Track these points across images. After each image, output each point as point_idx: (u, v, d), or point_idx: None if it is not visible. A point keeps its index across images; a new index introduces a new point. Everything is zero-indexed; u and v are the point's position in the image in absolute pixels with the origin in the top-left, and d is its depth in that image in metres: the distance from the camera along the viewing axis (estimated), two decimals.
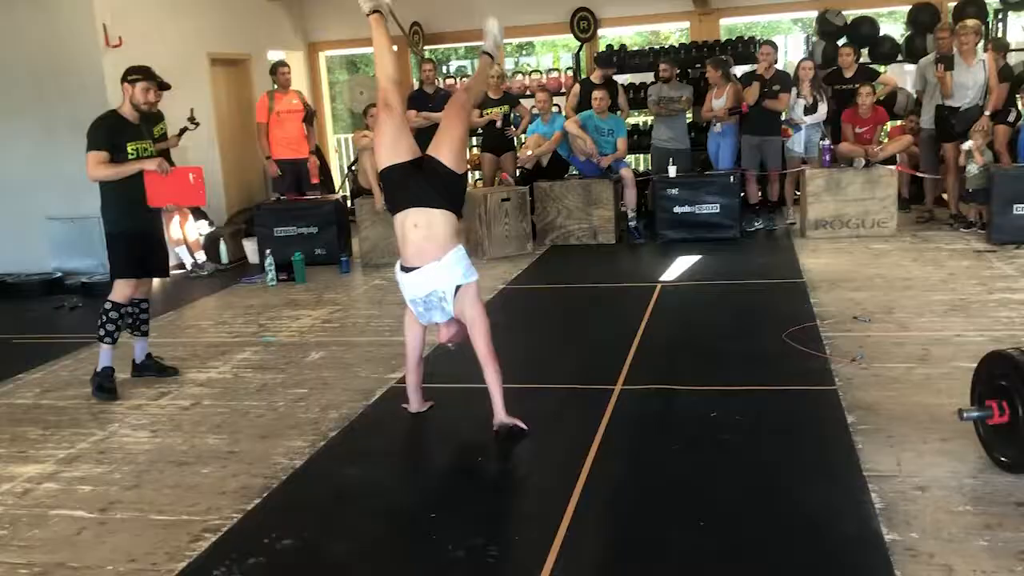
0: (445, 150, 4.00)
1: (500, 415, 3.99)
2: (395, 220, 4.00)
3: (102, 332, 4.96)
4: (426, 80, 9.27)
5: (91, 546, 3.22)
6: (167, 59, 8.37)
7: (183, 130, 8.23)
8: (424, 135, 8.83)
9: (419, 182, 3.93)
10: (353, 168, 10.12)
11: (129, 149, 4.88)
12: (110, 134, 4.84)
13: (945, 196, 8.67)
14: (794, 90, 8.46)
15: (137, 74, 4.94)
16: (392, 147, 4.00)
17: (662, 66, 9.08)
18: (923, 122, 8.55)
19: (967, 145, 7.77)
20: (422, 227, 3.90)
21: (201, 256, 8.54)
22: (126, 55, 7.99)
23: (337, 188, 10.89)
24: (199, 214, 8.80)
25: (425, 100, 9.11)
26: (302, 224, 8.44)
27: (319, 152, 9.87)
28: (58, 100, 8.08)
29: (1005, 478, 3.24)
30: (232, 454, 3.99)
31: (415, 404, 4.37)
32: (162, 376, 5.20)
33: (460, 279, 3.92)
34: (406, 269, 3.98)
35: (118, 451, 4.11)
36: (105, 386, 4.92)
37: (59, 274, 8.18)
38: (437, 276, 3.89)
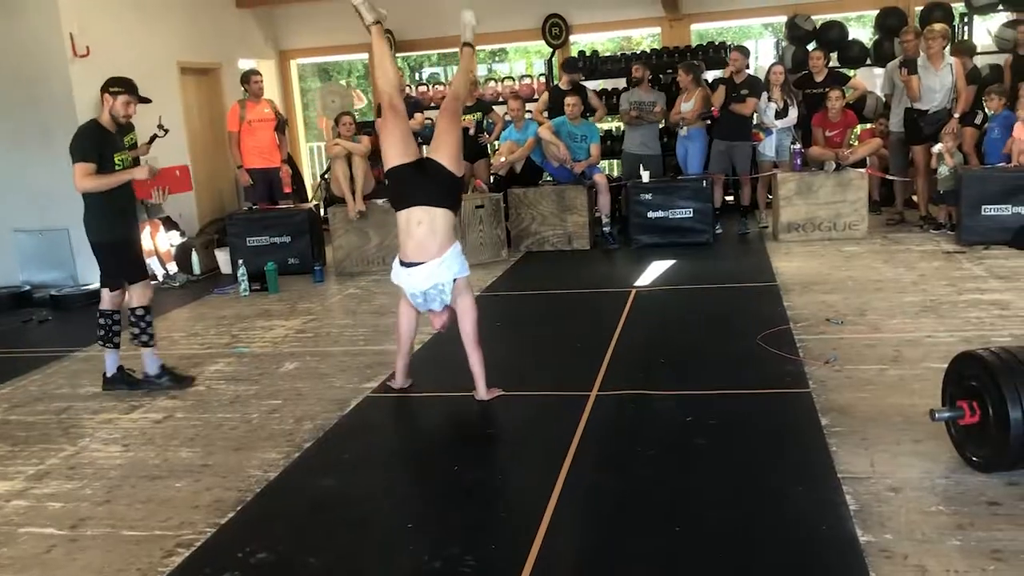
0: (444, 154, 4.37)
1: (481, 393, 4.50)
2: (399, 216, 4.37)
3: (144, 338, 5.12)
4: None
5: (61, 564, 3.17)
6: (136, 68, 8.24)
7: (153, 137, 8.15)
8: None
9: (423, 182, 4.32)
10: (326, 176, 10.08)
11: (116, 160, 4.94)
12: (96, 145, 4.86)
13: (915, 198, 8.77)
14: (765, 95, 8.53)
15: (119, 87, 4.96)
16: (400, 148, 4.38)
17: (635, 67, 9.12)
18: (892, 125, 8.64)
19: (937, 148, 7.86)
20: (425, 224, 4.28)
21: (173, 267, 8.46)
22: (94, 65, 7.94)
23: (310, 197, 10.84)
24: (170, 224, 8.73)
25: None
26: (275, 233, 8.39)
27: (291, 161, 9.82)
28: (25, 110, 7.99)
29: (977, 478, 3.27)
30: (205, 467, 3.94)
31: (400, 381, 4.77)
32: (180, 386, 5.13)
33: (457, 273, 4.34)
34: (407, 264, 4.33)
35: (89, 466, 4.05)
36: (131, 381, 5.14)
37: (27, 287, 8.07)
38: (439, 271, 4.28)
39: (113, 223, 4.98)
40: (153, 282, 8.20)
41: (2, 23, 7.95)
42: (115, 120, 4.97)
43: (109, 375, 5.20)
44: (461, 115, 4.87)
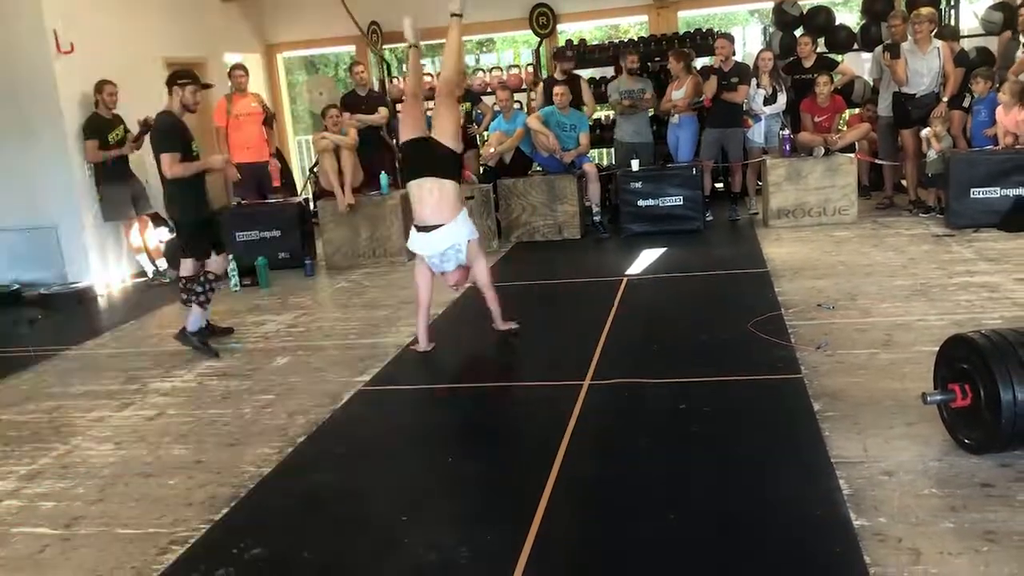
0: (446, 134, 5.09)
1: (498, 323, 5.42)
2: (411, 187, 5.04)
3: (201, 299, 5.62)
4: (359, 83, 9.22)
5: (55, 563, 3.16)
6: (121, 64, 8.29)
7: (142, 134, 8.11)
8: (360, 136, 8.81)
9: (429, 157, 5.01)
10: (315, 170, 10.03)
11: (193, 146, 5.53)
12: (179, 135, 5.48)
13: (904, 182, 8.79)
14: (754, 81, 8.52)
15: (186, 78, 5.52)
16: (411, 127, 5.17)
17: (630, 57, 9.07)
18: (880, 110, 8.65)
19: (925, 132, 7.88)
20: (436, 191, 4.95)
21: (162, 263, 8.42)
22: (78, 61, 7.88)
23: (299, 191, 10.79)
24: (159, 221, 8.68)
25: (358, 102, 9.08)
26: (265, 228, 8.35)
27: (280, 155, 9.77)
28: (8, 108, 7.92)
29: (969, 460, 3.28)
30: (198, 464, 3.93)
31: (424, 343, 5.26)
32: (205, 353, 5.60)
33: (469, 235, 5.05)
34: (423, 229, 4.99)
35: (81, 465, 4.04)
36: (202, 344, 5.64)
37: (16, 286, 8.02)
38: (453, 233, 4.96)
39: (192, 205, 5.58)
40: (142, 279, 8.25)
41: None
42: (187, 110, 5.52)
43: (192, 330, 5.62)
44: (456, 94, 5.54)
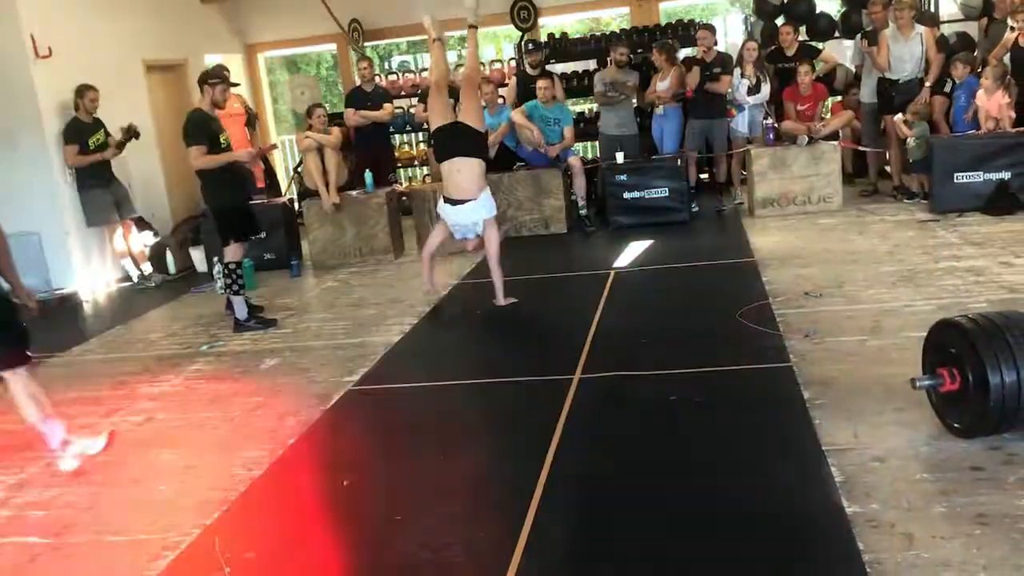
0: (471, 117, 5.87)
1: (499, 299, 5.95)
2: (443, 167, 5.86)
3: (236, 287, 6.12)
4: (364, 78, 9.19)
5: (46, 573, 3.14)
6: (101, 68, 8.23)
7: (124, 141, 8.07)
8: (365, 133, 8.81)
9: (458, 140, 5.77)
10: (299, 170, 9.99)
11: (221, 139, 6.00)
12: (206, 129, 5.92)
13: (888, 168, 8.82)
14: (737, 71, 8.52)
15: (216, 78, 6.06)
16: (442, 114, 5.91)
17: (620, 50, 9.05)
18: (864, 96, 8.68)
19: (898, 117, 7.90)
20: (464, 170, 5.74)
21: (147, 267, 8.37)
22: (57, 65, 7.81)
23: (283, 191, 10.75)
24: (143, 224, 8.63)
25: (363, 98, 9.04)
26: None
27: (262, 155, 9.70)
28: None
29: (959, 444, 3.29)
30: (189, 468, 3.91)
31: (433, 286, 6.28)
32: (267, 327, 6.13)
33: (488, 212, 5.86)
34: (453, 202, 5.80)
35: (70, 473, 4.00)
36: (262, 320, 6.23)
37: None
38: (477, 209, 5.79)
39: (226, 191, 6.06)
40: (128, 283, 8.19)
41: None
42: (217, 106, 6.06)
43: (242, 318, 6.13)
44: (476, 87, 6.27)
